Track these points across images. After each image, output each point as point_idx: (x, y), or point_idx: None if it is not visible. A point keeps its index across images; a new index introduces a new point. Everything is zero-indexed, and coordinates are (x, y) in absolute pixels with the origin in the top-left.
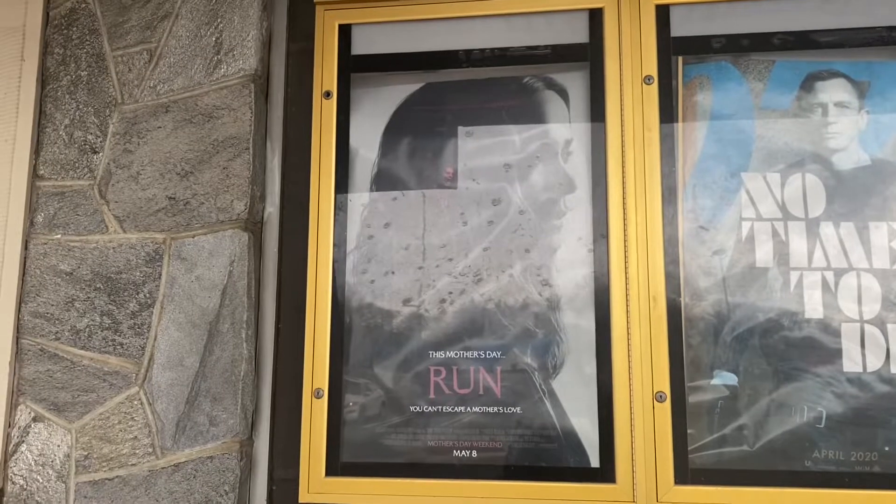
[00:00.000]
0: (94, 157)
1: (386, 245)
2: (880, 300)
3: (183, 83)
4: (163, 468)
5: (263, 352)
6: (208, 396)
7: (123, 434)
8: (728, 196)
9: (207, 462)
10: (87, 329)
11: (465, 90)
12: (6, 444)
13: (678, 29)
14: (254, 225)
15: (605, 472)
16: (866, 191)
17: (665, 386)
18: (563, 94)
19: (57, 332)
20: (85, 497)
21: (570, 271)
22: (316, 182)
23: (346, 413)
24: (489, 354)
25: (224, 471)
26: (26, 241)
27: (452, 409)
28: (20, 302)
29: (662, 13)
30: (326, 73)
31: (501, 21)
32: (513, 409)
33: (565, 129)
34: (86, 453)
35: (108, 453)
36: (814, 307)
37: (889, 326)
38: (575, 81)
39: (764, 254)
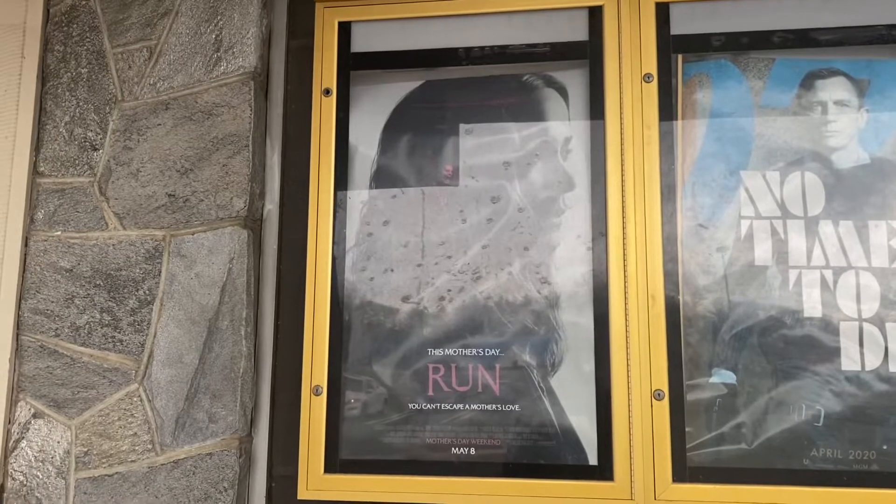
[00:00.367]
0: (95, 154)
1: (385, 242)
2: (879, 299)
3: (183, 80)
4: (162, 465)
5: (263, 349)
6: (208, 393)
7: (123, 431)
8: (727, 194)
9: (207, 459)
10: (87, 326)
11: (465, 88)
12: (6, 440)
13: (678, 27)
14: (253, 222)
15: (604, 470)
16: (865, 189)
17: (663, 384)
18: (562, 91)
19: (57, 329)
20: (84, 493)
21: (568, 269)
22: (315, 179)
23: (346, 410)
24: (488, 352)
25: (223, 467)
26: (26, 237)
27: (451, 406)
28: (20, 298)
29: (662, 11)
30: (326, 71)
31: (501, 19)
32: (511, 406)
33: (565, 127)
34: (85, 450)
35: (107, 450)
36: (812, 306)
37: (888, 325)
38: (574, 79)
39: (763, 252)
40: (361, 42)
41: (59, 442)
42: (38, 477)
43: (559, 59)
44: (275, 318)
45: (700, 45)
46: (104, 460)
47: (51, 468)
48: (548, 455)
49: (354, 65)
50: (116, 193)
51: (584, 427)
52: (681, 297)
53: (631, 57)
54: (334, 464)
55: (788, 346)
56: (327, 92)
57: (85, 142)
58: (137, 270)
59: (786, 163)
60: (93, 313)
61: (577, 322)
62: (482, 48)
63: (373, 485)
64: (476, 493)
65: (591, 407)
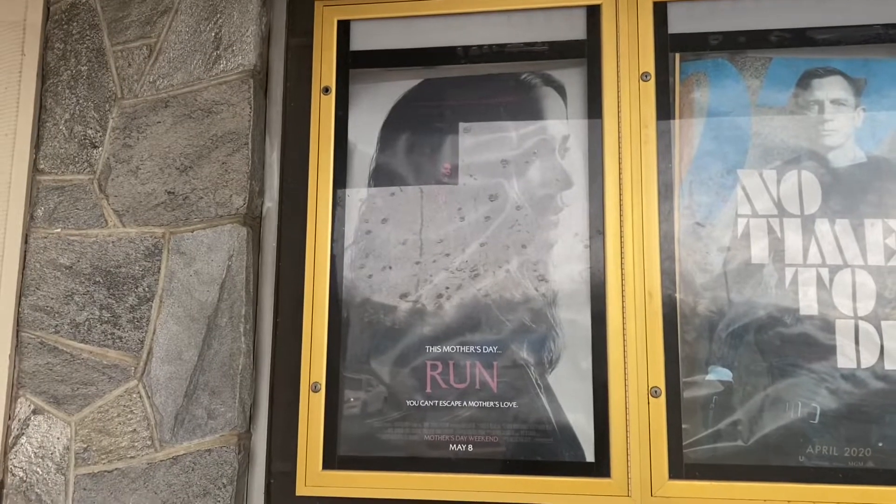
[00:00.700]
0: (94, 151)
1: (384, 240)
2: (875, 297)
3: (182, 78)
4: (161, 461)
5: (261, 346)
6: (206, 390)
7: (122, 427)
8: (724, 193)
9: (205, 455)
10: (87, 322)
11: (464, 86)
12: (6, 436)
13: (675, 26)
14: (252, 220)
15: (600, 467)
16: (862, 188)
17: (660, 381)
18: (560, 90)
19: (56, 326)
20: (84, 489)
21: (566, 267)
22: (314, 177)
23: (346, 408)
24: (486, 349)
25: (222, 464)
26: (26, 234)
27: (449, 403)
28: (20, 295)
29: (660, 10)
30: (325, 69)
31: (500, 17)
32: (509, 403)
33: (562, 126)
34: (85, 446)
35: (107, 446)
36: (808, 303)
37: (883, 323)
38: (572, 78)
39: (759, 250)
40: (361, 40)
41: (58, 438)
42: (38, 473)
43: (557, 58)
44: (274, 316)
45: (697, 45)
46: (104, 456)
47: (50, 464)
48: (545, 452)
49: (354, 63)
50: (116, 191)
51: (582, 424)
52: (678, 295)
53: (629, 56)
54: (332, 460)
55: (785, 344)
56: (326, 90)
57: (85, 139)
58: (137, 267)
59: (782, 161)
60: (92, 310)
61: (574, 319)
62: (481, 47)
63: (371, 481)
64: (474, 489)
65: (589, 404)
